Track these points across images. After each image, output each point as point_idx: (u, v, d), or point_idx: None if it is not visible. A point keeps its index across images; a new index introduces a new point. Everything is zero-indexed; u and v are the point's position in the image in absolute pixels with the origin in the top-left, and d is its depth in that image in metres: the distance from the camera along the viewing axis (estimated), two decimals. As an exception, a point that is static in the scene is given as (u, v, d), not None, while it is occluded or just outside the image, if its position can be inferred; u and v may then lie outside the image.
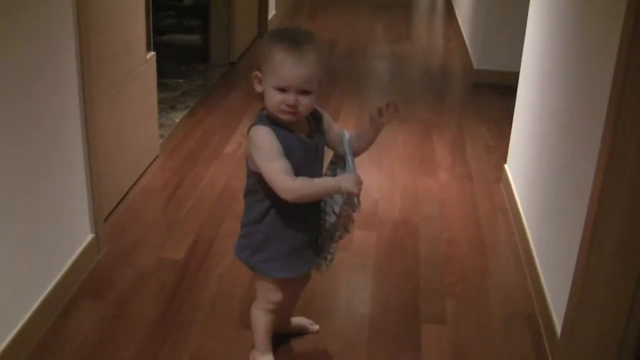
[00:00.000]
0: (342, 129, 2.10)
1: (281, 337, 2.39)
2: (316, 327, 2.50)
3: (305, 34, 1.94)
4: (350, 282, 2.83)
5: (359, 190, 1.95)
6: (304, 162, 1.97)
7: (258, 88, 1.95)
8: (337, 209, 2.07)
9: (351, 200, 2.02)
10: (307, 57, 1.87)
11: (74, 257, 2.67)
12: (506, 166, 3.68)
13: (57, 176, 2.52)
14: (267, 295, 2.17)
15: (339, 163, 2.09)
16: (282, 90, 1.89)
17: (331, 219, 2.10)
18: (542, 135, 3.00)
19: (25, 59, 2.24)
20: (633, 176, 2.04)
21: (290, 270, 2.13)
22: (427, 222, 3.33)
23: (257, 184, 1.99)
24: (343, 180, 1.95)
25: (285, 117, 1.93)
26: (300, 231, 2.07)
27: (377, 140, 2.07)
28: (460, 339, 2.52)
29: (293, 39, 1.89)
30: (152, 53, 3.69)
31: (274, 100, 1.91)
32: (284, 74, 1.88)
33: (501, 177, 3.74)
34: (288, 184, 1.89)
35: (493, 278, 2.91)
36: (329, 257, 2.18)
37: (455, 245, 3.14)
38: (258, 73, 1.93)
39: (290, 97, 1.89)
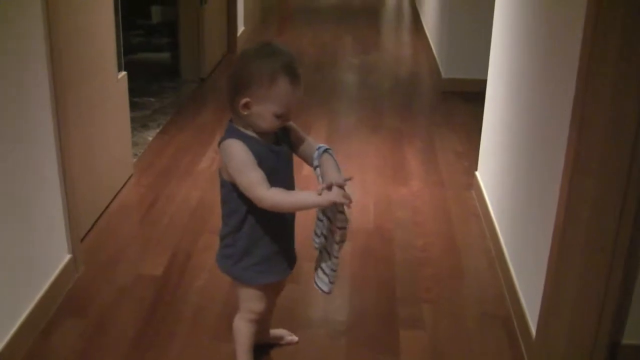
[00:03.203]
0: (316, 143, 2.13)
1: (261, 348, 2.41)
2: (295, 338, 2.52)
3: (289, 53, 1.98)
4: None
5: (343, 200, 1.92)
6: (275, 169, 2.01)
7: (245, 112, 1.96)
8: (319, 231, 2.09)
9: (341, 214, 1.99)
10: (301, 82, 1.97)
11: (52, 278, 2.67)
12: (477, 173, 3.74)
13: (31, 198, 2.53)
14: (251, 305, 2.19)
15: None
16: (281, 114, 1.96)
17: (317, 240, 2.12)
18: (510, 141, 3.05)
19: (-2, 82, 2.26)
20: (598, 178, 2.09)
21: (275, 275, 2.17)
22: (401, 229, 3.37)
23: (232, 192, 2.02)
24: (325, 194, 1.93)
25: (273, 131, 2.02)
26: (280, 234, 2.12)
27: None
28: (438, 343, 2.56)
29: (292, 67, 1.94)
30: (124, 73, 3.71)
31: (273, 124, 1.98)
32: (289, 104, 1.96)
33: (472, 183, 3.80)
34: (262, 193, 1.92)
35: (467, 281, 2.96)
36: (333, 275, 2.13)
37: (430, 250, 3.19)
38: (248, 100, 1.94)
39: (287, 118, 1.99)
